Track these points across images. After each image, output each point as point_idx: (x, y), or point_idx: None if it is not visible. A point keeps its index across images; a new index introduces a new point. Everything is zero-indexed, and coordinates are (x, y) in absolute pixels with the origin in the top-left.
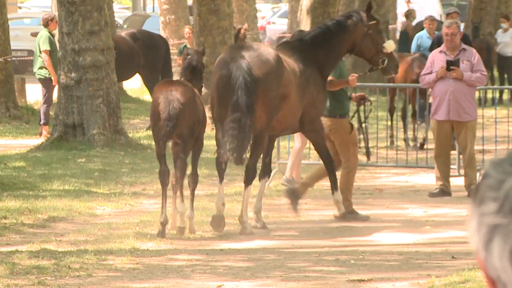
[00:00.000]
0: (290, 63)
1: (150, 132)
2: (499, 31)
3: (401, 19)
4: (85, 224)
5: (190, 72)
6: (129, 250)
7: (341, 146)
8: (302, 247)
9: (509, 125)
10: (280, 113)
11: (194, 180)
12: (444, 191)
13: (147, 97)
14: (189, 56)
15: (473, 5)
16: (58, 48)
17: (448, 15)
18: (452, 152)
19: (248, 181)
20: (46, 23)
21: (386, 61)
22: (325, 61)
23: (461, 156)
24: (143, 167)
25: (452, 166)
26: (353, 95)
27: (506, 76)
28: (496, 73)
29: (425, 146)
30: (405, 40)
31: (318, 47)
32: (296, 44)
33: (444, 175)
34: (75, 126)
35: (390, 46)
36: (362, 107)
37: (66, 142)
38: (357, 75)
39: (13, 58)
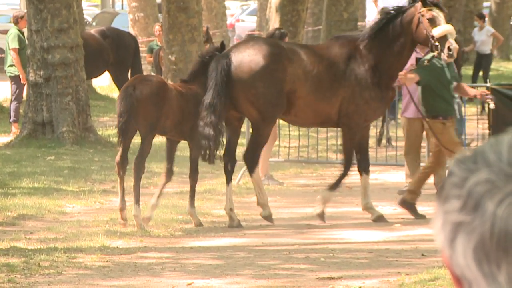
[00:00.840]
0: (309, 59)
1: None
2: (475, 29)
3: (372, 17)
4: (54, 222)
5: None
6: (99, 248)
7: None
8: (272, 245)
9: (478, 122)
10: (295, 108)
11: (193, 177)
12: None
13: (116, 94)
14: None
15: (442, 2)
16: (28, 46)
17: None
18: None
19: (251, 170)
20: (16, 21)
21: (439, 47)
22: (381, 58)
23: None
24: (113, 164)
25: (421, 164)
26: (476, 92)
27: (481, 73)
28: (466, 71)
29: (393, 143)
30: None
31: (371, 45)
32: (346, 40)
33: (414, 173)
34: (44, 124)
35: (438, 31)
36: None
37: (36, 140)
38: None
39: None
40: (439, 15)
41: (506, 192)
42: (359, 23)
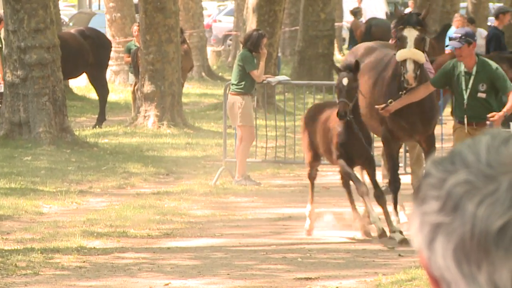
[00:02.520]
0: None
1: (96, 130)
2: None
3: (347, 17)
4: (31, 222)
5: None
6: (75, 248)
7: None
8: (249, 245)
9: None
10: None
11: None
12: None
13: (93, 95)
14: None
15: (419, 3)
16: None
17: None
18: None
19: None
20: None
21: (403, 70)
22: None
23: (407, 154)
24: (90, 165)
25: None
26: None
27: None
28: None
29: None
30: (354, 37)
31: None
32: None
33: None
34: (21, 124)
35: (398, 55)
36: None
37: (12, 140)
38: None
39: None
40: (409, 35)
41: (485, 193)
42: (336, 24)
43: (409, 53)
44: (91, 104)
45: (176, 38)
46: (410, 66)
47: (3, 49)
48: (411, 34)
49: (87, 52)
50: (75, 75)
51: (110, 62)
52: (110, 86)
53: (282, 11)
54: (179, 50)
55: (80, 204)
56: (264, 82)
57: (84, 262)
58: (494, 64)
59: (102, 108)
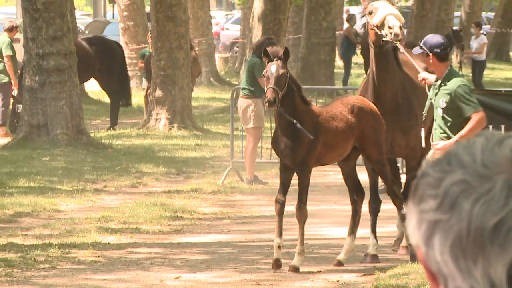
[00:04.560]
0: None
1: (110, 132)
2: (473, 37)
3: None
4: (49, 219)
5: None
6: (91, 243)
7: None
8: (255, 241)
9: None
10: None
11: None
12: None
13: (107, 99)
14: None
15: (415, 12)
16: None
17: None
18: None
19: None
20: (10, 29)
21: (384, 33)
22: None
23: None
24: (104, 165)
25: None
26: None
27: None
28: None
29: None
30: (348, 44)
31: None
32: None
33: None
34: (39, 127)
35: (376, 18)
36: None
37: (31, 142)
38: None
39: None
40: (380, 4)
41: (481, 192)
42: (337, 32)
43: (388, 10)
44: (105, 107)
45: (186, 45)
46: (394, 21)
47: (23, 55)
48: (381, 2)
49: (92, 59)
50: (81, 80)
51: None
52: None
53: (286, 19)
54: (189, 56)
55: (95, 202)
56: None
57: (99, 256)
58: (459, 79)
59: (114, 112)
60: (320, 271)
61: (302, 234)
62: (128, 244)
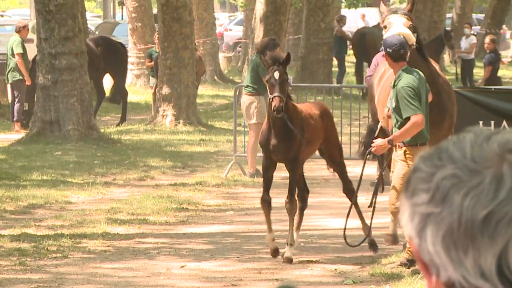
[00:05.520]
0: None
1: (120, 128)
2: (463, 37)
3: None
4: (61, 210)
5: None
6: (101, 234)
7: None
8: (257, 231)
9: None
10: None
11: None
12: (385, 181)
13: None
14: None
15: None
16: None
17: None
18: None
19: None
20: (19, 30)
21: None
22: None
23: None
24: (114, 159)
25: None
26: None
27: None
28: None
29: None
30: (341, 44)
31: None
32: None
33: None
34: (52, 123)
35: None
36: None
37: (44, 137)
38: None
39: None
40: (395, 19)
41: (471, 185)
42: (334, 32)
43: (398, 29)
44: (114, 104)
45: (191, 45)
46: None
47: (37, 55)
48: (395, 19)
49: (98, 59)
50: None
51: (131, 67)
52: (132, 88)
53: (286, 21)
54: (194, 56)
55: (105, 194)
56: None
57: (108, 246)
58: (406, 80)
59: (123, 110)
60: (319, 261)
61: (292, 225)
62: (136, 234)
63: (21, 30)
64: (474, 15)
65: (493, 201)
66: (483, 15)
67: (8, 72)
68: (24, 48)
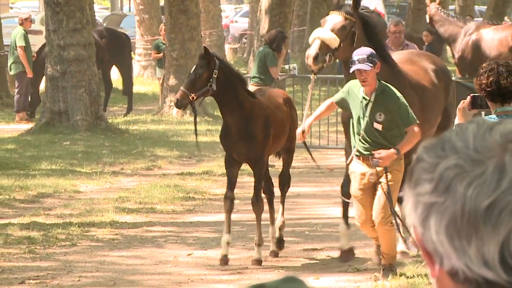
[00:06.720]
0: None
1: (127, 118)
2: None
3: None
4: (70, 199)
5: None
6: (109, 222)
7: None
8: (263, 219)
9: None
10: None
11: None
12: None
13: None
14: None
15: (412, 6)
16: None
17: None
18: None
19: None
20: (21, 22)
21: None
22: None
23: None
24: (121, 149)
25: None
26: None
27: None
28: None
29: None
30: None
31: None
32: None
33: None
34: (60, 113)
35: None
36: None
37: (53, 127)
38: None
39: (5, 53)
40: (329, 19)
41: (474, 175)
42: None
43: (318, 33)
44: (122, 95)
45: (198, 37)
46: (312, 49)
47: (46, 46)
48: (332, 18)
49: (102, 51)
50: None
51: (139, 58)
52: (139, 79)
53: (291, 13)
54: (201, 47)
55: (112, 184)
56: (279, 78)
57: (116, 234)
58: (397, 92)
59: (129, 100)
60: (323, 248)
61: (260, 226)
62: (144, 223)
63: (24, 22)
64: (476, 7)
65: (496, 190)
66: (485, 7)
67: (12, 64)
68: (27, 41)
